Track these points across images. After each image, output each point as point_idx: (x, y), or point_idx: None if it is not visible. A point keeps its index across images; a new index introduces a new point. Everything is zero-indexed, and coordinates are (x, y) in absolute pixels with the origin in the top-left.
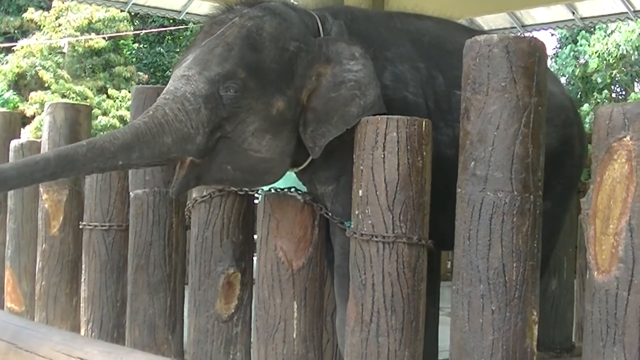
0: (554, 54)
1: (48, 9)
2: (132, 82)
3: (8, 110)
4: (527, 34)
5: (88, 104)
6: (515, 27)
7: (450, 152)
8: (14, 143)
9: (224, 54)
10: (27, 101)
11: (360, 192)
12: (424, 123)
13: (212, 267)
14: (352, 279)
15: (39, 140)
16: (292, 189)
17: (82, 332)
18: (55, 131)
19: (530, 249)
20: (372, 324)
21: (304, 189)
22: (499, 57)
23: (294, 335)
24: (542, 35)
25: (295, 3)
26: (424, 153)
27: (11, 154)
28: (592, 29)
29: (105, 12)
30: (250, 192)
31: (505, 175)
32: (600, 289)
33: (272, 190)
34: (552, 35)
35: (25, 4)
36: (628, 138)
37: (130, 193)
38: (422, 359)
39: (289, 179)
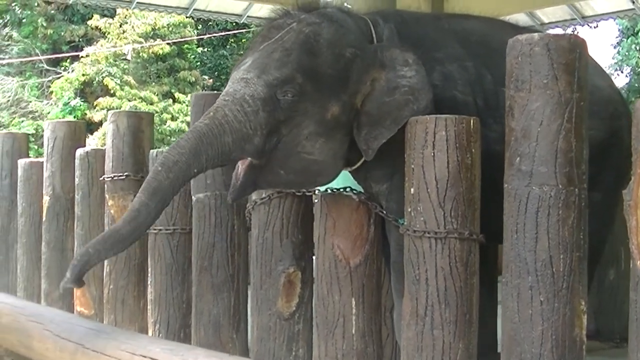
0: (617, 43)
1: (112, 16)
2: (197, 86)
3: (73, 120)
4: (587, 25)
5: (150, 111)
6: (575, 19)
7: (499, 148)
8: (79, 152)
9: (282, 59)
10: (94, 108)
11: (412, 190)
12: (471, 121)
13: (272, 266)
14: (407, 274)
15: (103, 147)
16: (348, 189)
17: (150, 333)
18: (119, 139)
19: (577, 240)
20: (426, 317)
21: (359, 188)
22: (540, 55)
23: (353, 331)
24: (604, 26)
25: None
26: (473, 150)
27: (77, 162)
28: None
29: (170, 18)
30: (308, 193)
31: (550, 170)
32: None
33: (328, 191)
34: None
35: (89, 12)
36: None
37: (193, 197)
38: (476, 350)
39: (344, 179)
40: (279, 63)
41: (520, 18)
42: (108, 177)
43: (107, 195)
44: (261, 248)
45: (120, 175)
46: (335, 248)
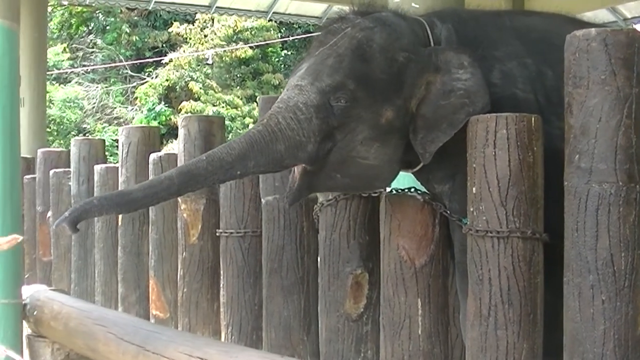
0: None
1: (193, 21)
2: (281, 89)
3: (147, 125)
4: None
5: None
6: (616, 21)
7: (563, 145)
8: (153, 157)
9: (334, 65)
10: (178, 113)
11: (473, 189)
12: (533, 119)
13: (340, 268)
14: (470, 274)
15: (176, 152)
16: (412, 189)
17: (222, 336)
18: (190, 143)
19: (638, 238)
20: (490, 317)
21: (423, 188)
22: (597, 50)
23: (419, 332)
24: None
25: (415, 5)
26: (535, 148)
27: (150, 167)
28: None
29: (252, 21)
30: (374, 194)
31: (610, 167)
32: None
33: (393, 192)
34: None
35: (171, 17)
36: None
37: (262, 200)
38: (541, 350)
39: (408, 180)
40: (331, 70)
41: (602, 14)
42: None
43: (179, 200)
44: (328, 250)
45: None
46: (401, 249)
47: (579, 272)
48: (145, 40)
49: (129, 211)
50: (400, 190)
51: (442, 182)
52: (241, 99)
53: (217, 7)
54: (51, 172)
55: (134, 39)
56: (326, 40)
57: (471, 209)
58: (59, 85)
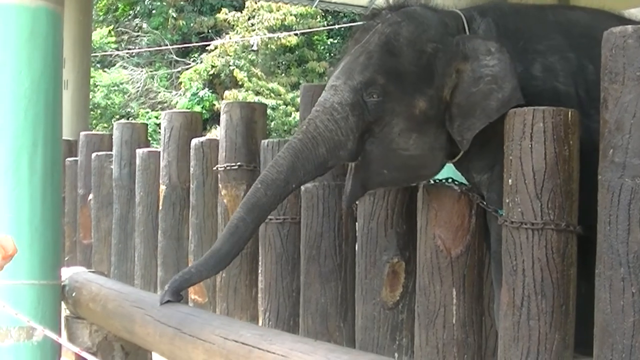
0: None
1: (241, 8)
2: (325, 77)
3: (190, 111)
4: None
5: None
6: None
7: None
8: (194, 142)
9: (365, 62)
10: (222, 99)
11: (509, 181)
12: (569, 113)
13: (377, 256)
14: (504, 265)
15: (217, 138)
16: (449, 179)
17: (260, 321)
18: (232, 129)
19: None
20: (523, 308)
21: (461, 179)
22: (633, 47)
23: (454, 321)
24: None
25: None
26: (571, 142)
27: (192, 152)
28: None
29: (298, 9)
30: (413, 184)
31: None
32: None
33: (430, 182)
34: None
35: (218, 3)
36: None
37: (302, 187)
38: (573, 341)
39: (446, 170)
40: (362, 67)
41: None
42: (221, 167)
43: (220, 185)
44: (366, 238)
45: (233, 165)
46: (437, 238)
47: (610, 264)
48: (191, 25)
49: (225, 267)
50: (437, 181)
51: (481, 172)
52: (285, 86)
53: None
54: (93, 155)
55: (180, 24)
56: (360, 38)
57: (507, 201)
58: (104, 69)
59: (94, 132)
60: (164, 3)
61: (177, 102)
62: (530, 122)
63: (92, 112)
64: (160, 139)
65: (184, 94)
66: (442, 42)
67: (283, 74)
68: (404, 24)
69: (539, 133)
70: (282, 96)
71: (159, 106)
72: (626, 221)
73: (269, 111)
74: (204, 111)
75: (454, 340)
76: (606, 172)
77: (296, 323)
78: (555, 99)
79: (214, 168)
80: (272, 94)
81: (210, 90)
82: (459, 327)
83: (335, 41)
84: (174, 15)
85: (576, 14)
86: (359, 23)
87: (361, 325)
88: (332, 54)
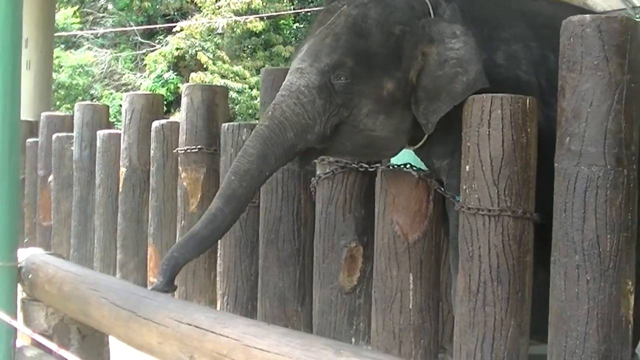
0: None
1: None
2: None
3: (151, 93)
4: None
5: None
6: (625, 9)
7: None
8: (155, 124)
9: (332, 44)
10: (188, 82)
11: (467, 167)
12: (528, 100)
13: (335, 241)
14: (461, 251)
15: (178, 121)
16: (408, 165)
17: (218, 305)
18: (193, 112)
19: (624, 221)
20: (479, 294)
21: (420, 165)
22: (591, 36)
23: (410, 306)
24: None
25: None
26: (529, 129)
27: (152, 134)
28: None
29: None
30: (371, 169)
31: (599, 150)
32: None
33: (389, 167)
34: None
35: None
36: None
37: None
38: (529, 327)
39: (405, 156)
40: (329, 49)
41: (611, 1)
42: (181, 150)
43: (180, 168)
44: (324, 222)
45: (194, 148)
46: (395, 224)
47: (565, 252)
48: (157, 7)
49: (204, 250)
50: (395, 166)
51: (441, 158)
52: (250, 70)
53: None
54: (54, 136)
55: (146, 6)
56: (324, 20)
57: (464, 187)
58: (69, 50)
59: (55, 113)
60: None
61: (141, 84)
62: (488, 109)
63: (56, 93)
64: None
65: (148, 76)
66: (409, 24)
67: (249, 58)
68: (371, 5)
69: (497, 120)
70: (247, 80)
71: (124, 88)
72: (582, 209)
73: (234, 95)
74: (168, 94)
75: (411, 325)
76: (562, 159)
77: (254, 307)
78: (517, 87)
79: (174, 151)
80: (237, 78)
81: (175, 73)
82: (416, 312)
83: (302, 25)
84: None
85: (539, 4)
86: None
87: (319, 310)
88: (298, 38)
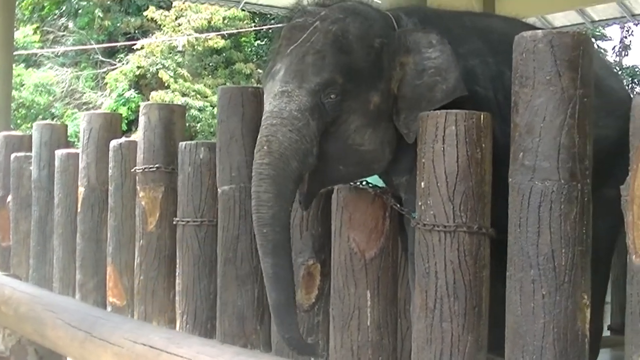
0: None
1: (168, 8)
2: (252, 79)
3: (109, 112)
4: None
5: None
6: (625, 17)
7: None
8: (113, 143)
9: (317, 63)
10: (149, 100)
11: (422, 184)
12: (482, 116)
13: (293, 258)
14: (417, 267)
15: (136, 140)
16: (364, 182)
17: (177, 324)
18: (151, 131)
19: (579, 235)
20: (435, 310)
21: (377, 182)
22: (543, 51)
23: (368, 323)
24: None
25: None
26: (483, 145)
27: (111, 153)
28: None
29: (226, 11)
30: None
31: (552, 165)
32: (638, 272)
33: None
34: None
35: (145, 3)
36: None
37: (218, 189)
38: (486, 343)
39: None
40: (315, 68)
41: (571, 15)
42: (139, 169)
43: (138, 187)
44: None
45: (151, 167)
46: (351, 241)
47: (520, 266)
48: (118, 25)
49: (294, 308)
50: (352, 183)
51: (400, 175)
52: (212, 88)
53: None
54: (12, 155)
55: (107, 24)
56: (294, 37)
57: (419, 203)
58: (30, 68)
59: (13, 132)
60: (91, 3)
61: (102, 103)
62: (442, 125)
63: (17, 112)
64: None
65: (109, 95)
66: (386, 36)
67: (210, 76)
68: (349, 20)
69: (451, 136)
70: (208, 98)
71: (85, 107)
72: (536, 224)
73: (195, 113)
74: (129, 112)
75: (369, 343)
76: (516, 174)
77: (213, 326)
78: (475, 103)
79: (132, 170)
80: (198, 96)
81: (137, 91)
82: (374, 330)
83: (263, 43)
84: (100, 15)
85: (492, 21)
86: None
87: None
88: (259, 56)
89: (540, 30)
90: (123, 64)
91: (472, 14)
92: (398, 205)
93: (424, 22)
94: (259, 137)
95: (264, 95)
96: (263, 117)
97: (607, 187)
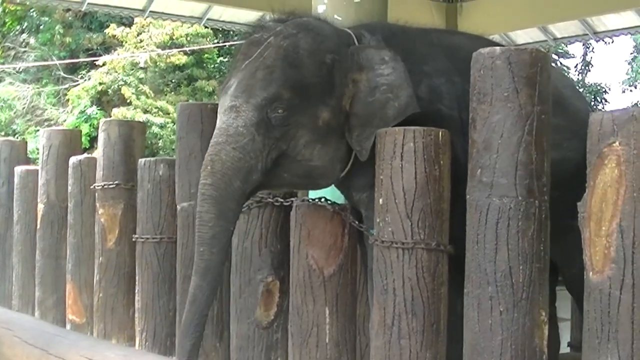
0: (631, 60)
1: (130, 25)
2: (215, 96)
3: (68, 128)
4: (602, 41)
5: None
6: (587, 34)
7: None
8: (72, 160)
9: (266, 78)
10: (110, 117)
11: (380, 200)
12: (440, 133)
13: (251, 275)
14: (375, 284)
15: (96, 156)
16: (322, 199)
17: (137, 342)
18: (110, 147)
19: (537, 251)
20: (394, 327)
21: (339, 199)
22: (501, 68)
23: (327, 340)
24: (621, 42)
25: (338, 18)
26: (442, 162)
27: (70, 170)
28: None
29: (188, 28)
30: (286, 203)
31: (510, 182)
32: (595, 288)
33: (304, 201)
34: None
35: (107, 20)
36: (617, 143)
37: (177, 206)
38: None
39: (319, 190)
40: (263, 83)
41: (533, 33)
42: (99, 186)
43: (97, 204)
44: (240, 257)
45: (111, 184)
46: (310, 258)
47: (478, 283)
48: (80, 41)
49: (202, 330)
50: (310, 200)
51: (360, 191)
52: (174, 105)
53: (150, 11)
54: None
55: (68, 40)
56: (250, 53)
57: (378, 220)
58: None
59: None
60: (52, 19)
61: (64, 120)
62: (400, 142)
63: None
64: None
65: (71, 112)
66: (339, 52)
67: (172, 92)
68: (301, 35)
69: (409, 153)
70: (170, 115)
71: (46, 123)
72: (494, 240)
73: (157, 130)
74: (92, 129)
75: None
76: (474, 191)
77: (173, 343)
78: (439, 121)
79: (92, 186)
80: (160, 112)
81: (99, 108)
82: (332, 347)
83: (225, 59)
84: (62, 32)
85: (458, 38)
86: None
87: (236, 345)
88: (222, 73)
89: (498, 47)
90: (85, 80)
91: (438, 31)
92: (357, 222)
93: (388, 39)
94: (206, 155)
95: (218, 111)
96: (213, 133)
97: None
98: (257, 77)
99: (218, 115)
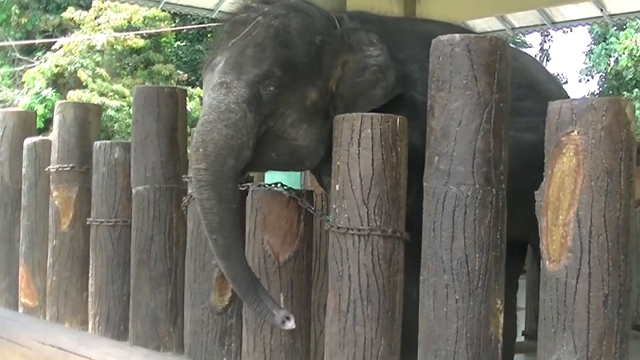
0: (589, 51)
1: (87, 8)
2: (171, 80)
3: (23, 110)
4: (561, 31)
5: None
6: (545, 24)
7: None
8: (27, 141)
9: (257, 55)
10: (66, 99)
11: (337, 186)
12: (398, 120)
13: (206, 260)
14: (330, 270)
15: (51, 138)
16: (278, 184)
17: (90, 326)
18: (65, 130)
19: (493, 240)
20: (349, 313)
21: (295, 184)
22: (460, 55)
23: None
24: (578, 32)
25: None
26: (399, 149)
27: (24, 152)
28: (623, 26)
29: (146, 11)
30: (242, 188)
31: (467, 169)
32: (551, 277)
33: (260, 186)
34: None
35: (65, 2)
36: (575, 132)
37: (132, 190)
38: (399, 347)
39: (276, 175)
40: (255, 60)
41: (492, 22)
42: (53, 168)
43: (52, 186)
44: (195, 242)
45: (66, 167)
46: (265, 243)
47: (434, 271)
48: (36, 23)
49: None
50: (266, 185)
51: (329, 175)
52: (130, 88)
53: None
54: None
55: (24, 21)
56: (236, 31)
57: (334, 206)
58: None
59: None
60: None
61: (19, 101)
62: (358, 128)
63: None
64: None
65: (26, 93)
66: (328, 34)
67: (129, 76)
68: (291, 16)
69: (366, 139)
70: (126, 98)
71: (1, 104)
72: (450, 228)
73: (112, 113)
74: (46, 111)
75: (282, 346)
76: (431, 179)
77: (126, 328)
78: (412, 108)
79: (46, 169)
80: (116, 96)
81: (55, 90)
82: (287, 333)
83: (183, 44)
84: (18, 12)
85: (431, 26)
86: (205, 25)
87: (190, 330)
88: (178, 57)
89: (457, 35)
90: (41, 62)
91: (411, 19)
92: (312, 208)
93: (365, 25)
94: (195, 133)
95: (203, 88)
96: (201, 111)
97: None
98: (247, 55)
99: (205, 92)
